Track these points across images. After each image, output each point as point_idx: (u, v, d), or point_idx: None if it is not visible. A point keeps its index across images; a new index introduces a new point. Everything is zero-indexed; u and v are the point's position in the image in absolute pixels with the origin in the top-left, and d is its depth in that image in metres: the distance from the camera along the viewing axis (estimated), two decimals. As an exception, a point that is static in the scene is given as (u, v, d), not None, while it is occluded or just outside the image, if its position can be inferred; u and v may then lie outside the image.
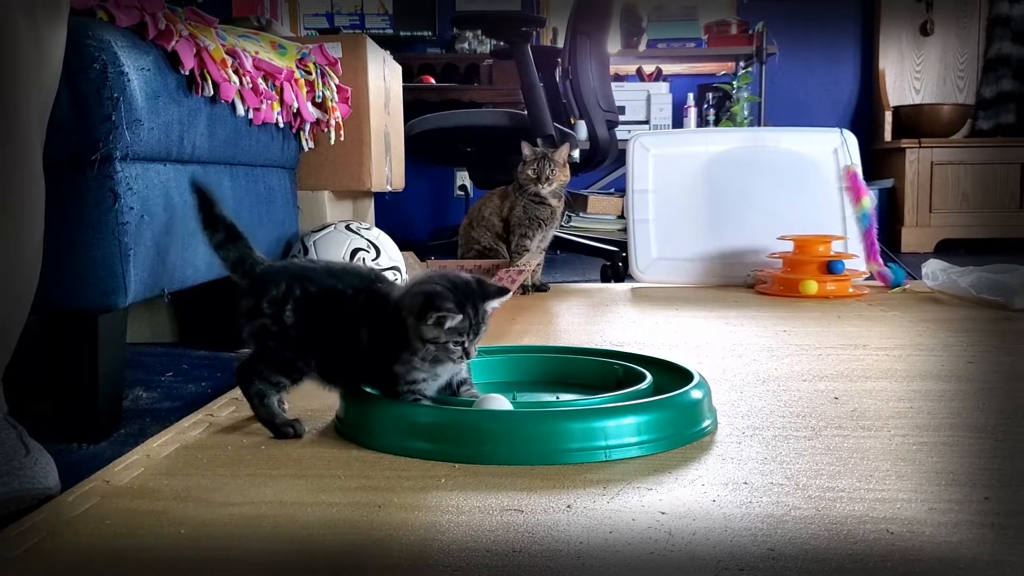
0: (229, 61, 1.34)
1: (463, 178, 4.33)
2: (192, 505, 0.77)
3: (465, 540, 0.68)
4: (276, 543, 0.69)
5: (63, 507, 0.77)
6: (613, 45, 3.99)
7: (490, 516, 0.73)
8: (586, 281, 2.75)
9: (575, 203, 3.04)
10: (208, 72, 1.26)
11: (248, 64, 1.40)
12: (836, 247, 2.24)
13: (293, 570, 0.64)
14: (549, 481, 0.82)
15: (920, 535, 0.68)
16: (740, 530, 0.70)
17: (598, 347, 1.42)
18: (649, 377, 1.06)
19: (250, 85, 1.41)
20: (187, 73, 1.21)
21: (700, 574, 0.63)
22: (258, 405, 0.97)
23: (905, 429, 0.98)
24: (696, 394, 0.98)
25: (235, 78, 1.35)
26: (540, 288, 2.29)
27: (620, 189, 3.16)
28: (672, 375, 1.07)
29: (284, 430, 0.96)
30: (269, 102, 1.49)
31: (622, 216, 2.98)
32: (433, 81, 4.13)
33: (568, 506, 0.75)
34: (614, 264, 2.75)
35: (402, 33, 4.37)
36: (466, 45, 4.39)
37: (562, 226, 2.82)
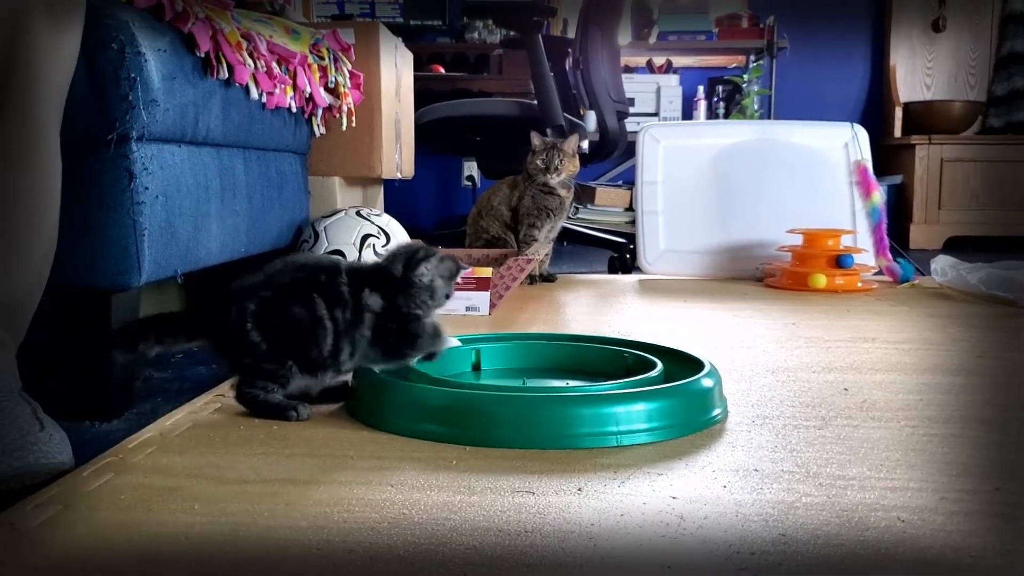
0: (244, 44, 1.34)
1: (471, 168, 4.32)
2: (205, 482, 0.78)
3: (477, 520, 0.69)
4: (288, 519, 0.69)
5: (78, 482, 0.77)
6: (624, 37, 3.99)
7: (501, 497, 0.74)
8: (593, 272, 2.75)
9: (583, 195, 3.04)
10: (223, 55, 1.26)
11: (263, 48, 1.40)
12: (845, 241, 2.23)
13: (305, 546, 0.65)
14: (560, 465, 0.82)
15: (931, 523, 0.69)
16: (751, 515, 0.70)
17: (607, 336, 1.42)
18: (660, 365, 1.06)
19: (264, 69, 1.41)
20: (203, 55, 1.22)
21: (712, 557, 0.63)
22: (254, 405, 0.97)
23: (915, 420, 0.99)
24: (707, 382, 0.99)
25: (250, 61, 1.35)
26: (547, 278, 2.29)
27: (628, 181, 3.15)
28: (682, 364, 1.07)
29: (287, 413, 0.96)
30: (282, 86, 1.49)
31: (630, 208, 2.97)
32: (443, 70, 4.13)
33: (579, 489, 0.76)
34: (622, 256, 2.75)
35: (412, 22, 4.37)
36: (476, 35, 4.38)
37: (570, 217, 2.82)
